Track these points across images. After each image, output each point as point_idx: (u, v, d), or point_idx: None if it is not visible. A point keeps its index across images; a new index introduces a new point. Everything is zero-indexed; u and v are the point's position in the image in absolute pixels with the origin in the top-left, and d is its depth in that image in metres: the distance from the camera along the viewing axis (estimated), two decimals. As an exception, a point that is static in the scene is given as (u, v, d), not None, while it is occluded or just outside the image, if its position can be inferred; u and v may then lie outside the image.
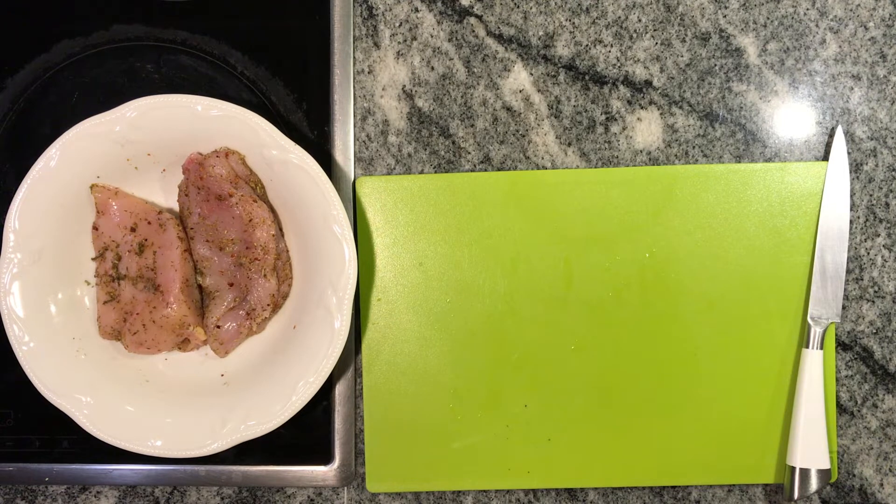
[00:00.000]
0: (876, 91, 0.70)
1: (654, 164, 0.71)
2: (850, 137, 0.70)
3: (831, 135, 0.70)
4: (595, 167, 0.71)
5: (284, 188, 0.66)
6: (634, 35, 0.71)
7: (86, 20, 0.72)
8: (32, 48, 0.72)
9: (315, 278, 0.66)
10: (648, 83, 0.71)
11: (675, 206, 0.70)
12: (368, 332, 0.71)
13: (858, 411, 0.70)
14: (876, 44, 0.70)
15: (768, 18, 0.70)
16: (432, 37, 0.71)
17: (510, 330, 0.70)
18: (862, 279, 0.70)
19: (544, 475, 0.70)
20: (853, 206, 0.70)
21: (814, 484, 0.67)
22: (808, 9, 0.70)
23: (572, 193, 0.70)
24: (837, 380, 0.70)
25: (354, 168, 0.72)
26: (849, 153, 0.70)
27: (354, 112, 0.72)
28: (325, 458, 0.71)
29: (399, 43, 0.72)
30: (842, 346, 0.70)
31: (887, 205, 0.70)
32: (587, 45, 0.71)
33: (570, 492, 0.71)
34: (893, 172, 0.70)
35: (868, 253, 0.70)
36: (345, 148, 0.71)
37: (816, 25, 0.70)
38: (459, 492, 0.72)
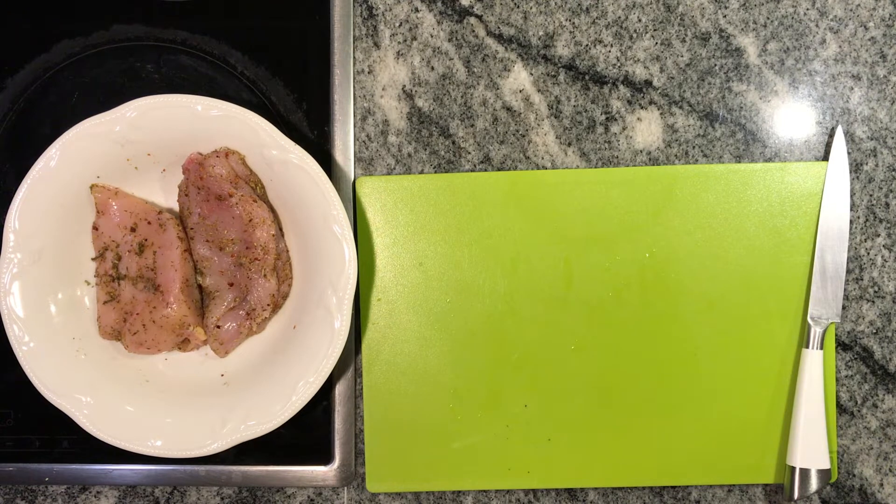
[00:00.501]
0: (876, 91, 0.70)
1: (654, 164, 0.71)
2: (850, 137, 0.70)
3: (831, 135, 0.70)
4: (595, 167, 0.71)
5: (284, 188, 0.66)
6: (634, 35, 0.71)
7: (86, 20, 0.72)
8: (32, 48, 0.72)
9: (315, 278, 0.66)
10: (648, 83, 0.71)
11: (675, 206, 0.70)
12: (368, 332, 0.71)
13: (858, 411, 0.70)
14: (876, 44, 0.70)
15: (768, 18, 0.70)
16: (432, 37, 0.71)
17: (510, 330, 0.70)
18: (862, 279, 0.70)
19: (544, 475, 0.70)
20: (853, 206, 0.70)
21: (814, 484, 0.67)
22: (808, 9, 0.70)
23: (572, 193, 0.70)
24: (837, 380, 0.70)
25: (354, 168, 0.72)
26: (849, 153, 0.70)
27: (354, 112, 0.72)
28: (325, 458, 0.71)
29: (399, 43, 0.72)
30: (842, 346, 0.70)
31: (887, 205, 0.70)
32: (587, 45, 0.71)
33: (570, 492, 0.71)
34: (893, 172, 0.70)
35: (868, 253, 0.70)
36: (345, 148, 0.71)
37: (816, 25, 0.70)
38: (459, 492, 0.72)
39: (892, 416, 0.70)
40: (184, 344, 0.69)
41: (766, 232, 0.69)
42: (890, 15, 0.70)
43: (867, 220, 0.70)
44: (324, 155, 0.71)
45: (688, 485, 0.71)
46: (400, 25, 0.72)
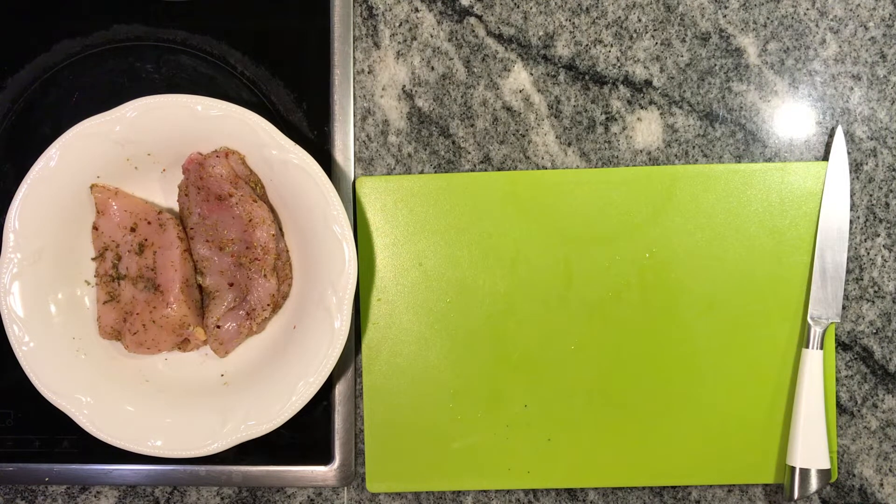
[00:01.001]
0: (876, 91, 0.70)
1: (654, 164, 0.71)
2: (850, 137, 0.70)
3: (831, 135, 0.70)
4: (595, 167, 0.71)
5: (284, 188, 0.66)
6: (634, 35, 0.71)
7: (86, 20, 0.72)
8: (32, 48, 0.72)
9: (315, 278, 0.66)
10: (648, 83, 0.71)
11: (675, 206, 0.70)
12: (368, 332, 0.71)
13: (858, 411, 0.70)
14: (876, 44, 0.70)
15: (768, 18, 0.70)
16: (432, 37, 0.71)
17: (510, 330, 0.70)
18: (862, 279, 0.70)
19: (544, 475, 0.70)
20: (853, 206, 0.70)
21: (814, 484, 0.67)
22: (808, 9, 0.70)
23: (572, 193, 0.70)
24: (837, 380, 0.70)
25: (354, 168, 0.72)
26: (849, 153, 0.70)
27: (354, 112, 0.72)
28: (325, 458, 0.71)
29: (399, 43, 0.72)
30: (842, 346, 0.70)
31: (887, 205, 0.70)
32: (587, 45, 0.71)
33: (570, 492, 0.71)
34: (893, 172, 0.70)
35: (868, 253, 0.70)
36: (345, 148, 0.71)
37: (816, 25, 0.70)
38: (459, 492, 0.72)
39: (892, 416, 0.70)
40: (184, 344, 0.69)
41: (766, 232, 0.69)
42: (890, 15, 0.70)
43: (867, 220, 0.70)
44: (324, 155, 0.71)
45: (688, 485, 0.71)
46: (400, 25, 0.72)
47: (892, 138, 0.70)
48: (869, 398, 0.70)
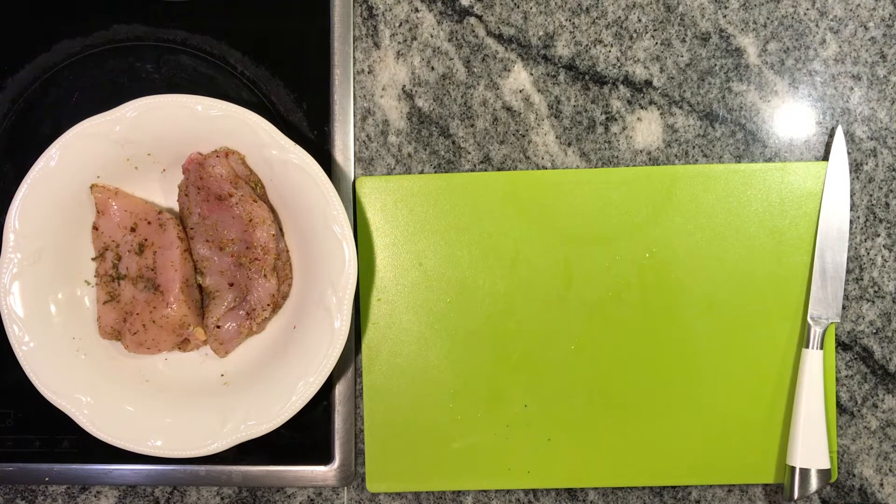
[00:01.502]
0: (876, 91, 0.70)
1: (654, 164, 0.71)
2: (850, 137, 0.70)
3: (831, 135, 0.70)
4: (595, 167, 0.71)
5: (284, 188, 0.66)
6: (634, 35, 0.71)
7: (86, 20, 0.72)
8: (32, 48, 0.72)
9: (315, 278, 0.66)
10: (648, 83, 0.71)
11: (675, 206, 0.70)
12: (368, 332, 0.71)
13: (858, 411, 0.70)
14: (876, 44, 0.70)
15: (768, 18, 0.70)
16: (432, 37, 0.71)
17: (510, 330, 0.70)
18: (862, 279, 0.70)
19: (544, 475, 0.70)
20: (853, 206, 0.70)
21: (814, 484, 0.67)
22: (808, 9, 0.70)
23: (572, 193, 0.70)
24: (837, 380, 0.70)
25: (354, 168, 0.72)
26: (849, 153, 0.70)
27: (354, 112, 0.72)
28: (325, 458, 0.71)
29: (399, 43, 0.72)
30: (842, 346, 0.70)
31: (887, 205, 0.70)
32: (587, 45, 0.71)
33: (570, 492, 0.71)
34: (893, 172, 0.70)
35: (868, 253, 0.70)
36: (345, 148, 0.71)
37: (816, 25, 0.70)
38: (459, 492, 0.72)
39: (892, 416, 0.70)
40: (184, 344, 0.69)
41: (766, 232, 0.69)
42: (890, 15, 0.70)
43: (867, 220, 0.70)
44: (324, 155, 0.71)
45: (688, 485, 0.71)
46: (400, 25, 0.72)
47: (892, 138, 0.70)
48: (869, 398, 0.70)
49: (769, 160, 0.70)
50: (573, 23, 0.71)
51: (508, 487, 0.71)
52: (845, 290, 0.70)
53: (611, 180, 0.70)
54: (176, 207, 0.69)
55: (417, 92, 0.72)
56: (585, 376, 0.70)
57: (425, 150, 0.72)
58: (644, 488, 0.71)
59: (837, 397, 0.70)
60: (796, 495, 0.67)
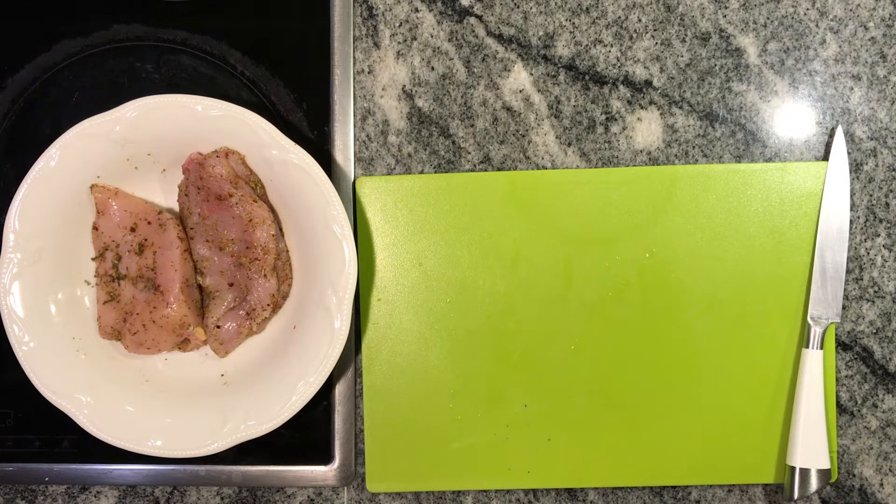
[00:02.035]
0: (876, 91, 0.70)
1: (654, 164, 0.71)
2: (850, 137, 0.70)
3: (831, 135, 0.70)
4: (595, 167, 0.71)
5: (284, 188, 0.66)
6: (634, 35, 0.71)
7: (86, 20, 0.72)
8: (32, 48, 0.72)
9: (315, 278, 0.66)
10: (648, 83, 0.71)
11: (675, 206, 0.70)
12: (368, 332, 0.71)
13: (858, 411, 0.70)
14: (876, 44, 0.70)
15: (768, 18, 0.70)
16: (432, 37, 0.71)
17: (510, 330, 0.70)
18: (862, 279, 0.70)
19: (544, 475, 0.70)
20: (853, 206, 0.70)
21: (814, 484, 0.67)
22: (808, 9, 0.70)
23: (572, 193, 0.70)
24: (837, 380, 0.70)
25: (354, 168, 0.72)
26: (849, 153, 0.70)
27: (354, 112, 0.72)
28: (325, 458, 0.71)
29: (399, 43, 0.72)
30: (842, 346, 0.70)
31: (887, 205, 0.70)
32: (587, 45, 0.71)
33: (570, 492, 0.71)
34: (893, 172, 0.70)
35: (868, 253, 0.70)
36: (345, 148, 0.71)
37: (816, 25, 0.70)
38: (459, 492, 0.72)
39: (892, 416, 0.70)
40: (184, 344, 0.69)
41: (766, 232, 0.69)
42: (890, 15, 0.70)
43: (867, 220, 0.70)
44: (324, 155, 0.71)
45: (688, 485, 0.71)
46: (400, 25, 0.72)
47: (892, 138, 0.70)
48: (869, 398, 0.70)
49: (769, 160, 0.70)
50: (573, 23, 0.71)
51: (508, 487, 0.71)
52: (845, 290, 0.70)
53: (611, 180, 0.70)
54: (176, 207, 0.69)
55: (417, 92, 0.72)
56: (585, 376, 0.70)
57: (425, 150, 0.72)
58: (644, 488, 0.71)
59: (837, 397, 0.70)
60: (796, 495, 0.67)
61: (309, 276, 0.67)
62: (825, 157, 0.70)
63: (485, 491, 0.72)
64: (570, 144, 0.71)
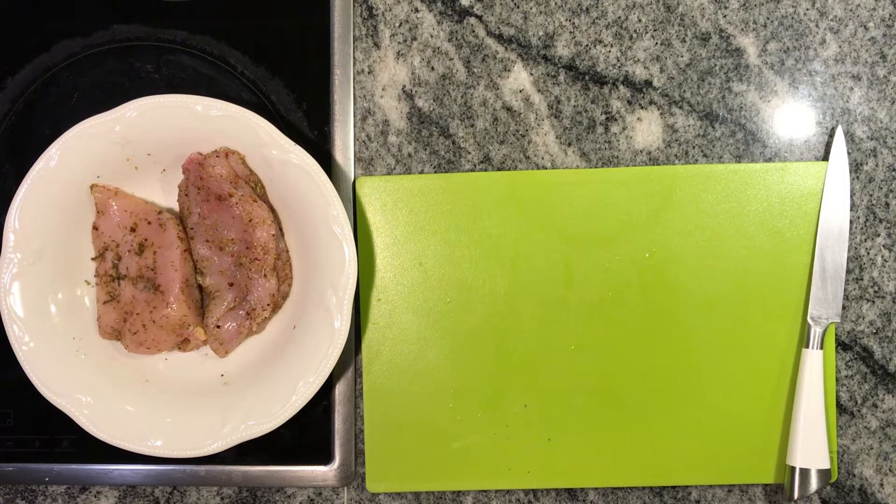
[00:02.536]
0: (876, 91, 0.70)
1: (654, 164, 0.71)
2: (850, 137, 0.70)
3: (831, 135, 0.70)
4: (595, 167, 0.71)
5: (284, 188, 0.66)
6: (634, 35, 0.71)
7: (86, 20, 0.72)
8: (32, 48, 0.72)
9: (315, 278, 0.66)
10: (648, 83, 0.71)
11: (675, 206, 0.70)
12: (368, 332, 0.71)
13: (858, 411, 0.70)
14: (876, 44, 0.70)
15: (768, 18, 0.70)
16: (432, 37, 0.71)
17: (510, 330, 0.70)
18: (862, 279, 0.70)
19: (544, 475, 0.70)
20: (853, 206, 0.70)
21: (814, 484, 0.67)
22: (808, 9, 0.70)
23: (572, 193, 0.70)
24: (837, 380, 0.70)
25: (354, 168, 0.72)
26: (849, 153, 0.70)
27: (354, 112, 0.72)
28: (325, 458, 0.71)
29: (399, 43, 0.72)
30: (842, 346, 0.70)
31: (887, 205, 0.70)
32: (587, 45, 0.71)
33: (570, 492, 0.71)
34: (893, 172, 0.70)
35: (868, 253, 0.70)
36: (345, 148, 0.71)
37: (816, 25, 0.70)
38: (459, 492, 0.72)
39: (892, 416, 0.70)
40: (184, 344, 0.69)
41: (766, 232, 0.69)
42: (890, 15, 0.70)
43: (867, 220, 0.70)
44: (324, 155, 0.71)
45: (688, 485, 0.71)
46: (400, 25, 0.72)
47: (892, 138, 0.70)
48: (869, 398, 0.70)
49: (769, 160, 0.70)
50: (573, 23, 0.71)
51: (508, 487, 0.71)
52: (845, 290, 0.70)
53: (611, 180, 0.70)
54: (176, 207, 0.69)
55: (417, 92, 0.72)
56: (585, 376, 0.70)
57: (425, 150, 0.72)
58: (644, 488, 0.71)
59: (837, 397, 0.70)
60: (796, 495, 0.67)
61: (309, 276, 0.67)
62: (825, 157, 0.70)
63: (485, 491, 0.72)
64: (570, 144, 0.71)
